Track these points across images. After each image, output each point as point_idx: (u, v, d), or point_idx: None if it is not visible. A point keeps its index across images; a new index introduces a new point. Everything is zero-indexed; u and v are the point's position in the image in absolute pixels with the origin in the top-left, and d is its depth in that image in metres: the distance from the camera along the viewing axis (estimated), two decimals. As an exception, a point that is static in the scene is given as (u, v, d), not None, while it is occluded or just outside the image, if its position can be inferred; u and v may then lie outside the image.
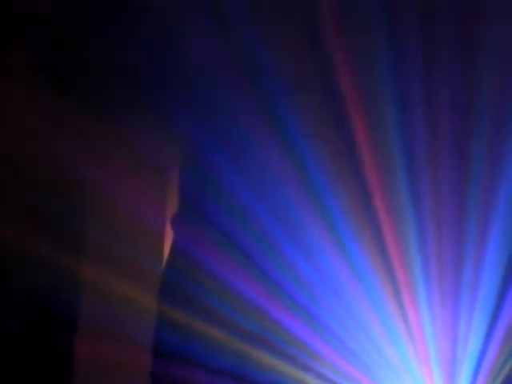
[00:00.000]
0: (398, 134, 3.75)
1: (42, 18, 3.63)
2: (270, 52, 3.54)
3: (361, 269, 3.89)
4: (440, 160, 3.79)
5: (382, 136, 3.80)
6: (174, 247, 4.09)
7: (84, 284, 3.99)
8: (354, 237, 3.86)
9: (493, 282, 3.83)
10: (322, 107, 3.70)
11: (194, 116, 3.84)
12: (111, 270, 3.90)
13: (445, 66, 3.58)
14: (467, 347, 3.83)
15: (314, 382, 3.94)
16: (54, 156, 3.84)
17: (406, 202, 3.85)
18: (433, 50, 3.60)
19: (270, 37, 3.35)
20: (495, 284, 3.83)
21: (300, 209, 3.93)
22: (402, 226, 3.87)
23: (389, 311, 3.90)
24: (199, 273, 3.97)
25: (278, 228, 3.97)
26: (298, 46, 3.36)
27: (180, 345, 3.92)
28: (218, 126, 3.89)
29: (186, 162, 4.15)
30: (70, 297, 3.94)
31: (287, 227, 3.98)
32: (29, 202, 3.89)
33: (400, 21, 3.39)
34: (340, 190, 3.83)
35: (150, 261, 4.06)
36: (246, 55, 3.55)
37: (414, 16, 3.42)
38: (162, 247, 4.14)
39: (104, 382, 3.96)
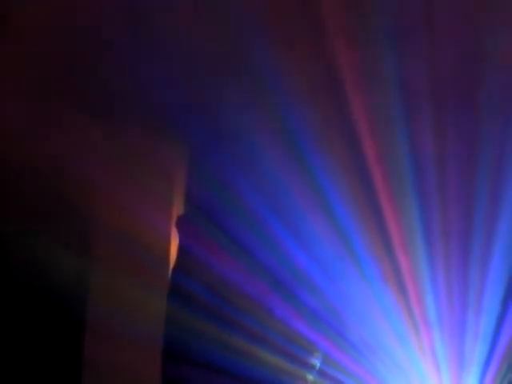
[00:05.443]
0: (405, 140, 3.72)
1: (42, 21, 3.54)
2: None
3: (370, 273, 3.91)
4: (447, 163, 3.78)
5: (389, 137, 3.78)
6: (180, 248, 4.10)
7: (92, 285, 4.00)
8: (363, 242, 3.87)
9: (499, 285, 3.86)
10: (328, 114, 3.66)
11: (201, 119, 3.80)
12: (119, 272, 3.91)
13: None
14: (475, 350, 3.87)
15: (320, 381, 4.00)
16: (59, 158, 3.81)
17: (413, 208, 3.85)
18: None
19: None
20: (501, 288, 3.86)
21: (308, 212, 3.93)
22: (410, 232, 3.88)
23: (398, 316, 3.93)
24: (206, 274, 3.98)
25: (285, 232, 3.98)
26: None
27: (188, 345, 3.94)
28: (225, 128, 3.85)
29: (194, 165, 4.13)
30: (79, 298, 3.95)
31: (295, 231, 3.98)
32: (34, 203, 3.88)
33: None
34: (348, 195, 3.82)
35: (156, 262, 4.05)
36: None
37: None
38: (169, 249, 4.14)
39: (112, 382, 3.99)
